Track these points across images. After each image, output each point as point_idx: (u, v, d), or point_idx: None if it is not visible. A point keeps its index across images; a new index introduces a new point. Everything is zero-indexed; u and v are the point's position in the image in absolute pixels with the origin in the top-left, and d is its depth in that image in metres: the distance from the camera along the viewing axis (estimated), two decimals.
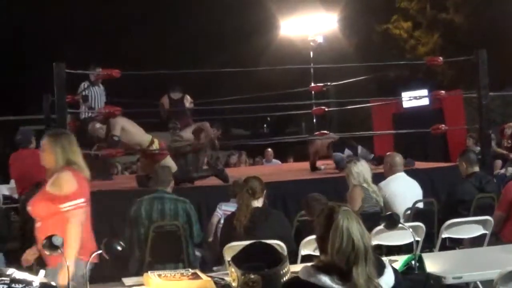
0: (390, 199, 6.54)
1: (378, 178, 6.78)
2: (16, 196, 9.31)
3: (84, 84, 9.37)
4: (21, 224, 7.20)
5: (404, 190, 6.65)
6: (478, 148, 9.63)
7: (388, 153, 7.35)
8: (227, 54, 24.54)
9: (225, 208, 6.31)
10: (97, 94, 9.51)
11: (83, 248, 4.12)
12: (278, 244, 4.59)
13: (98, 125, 8.71)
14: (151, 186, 6.07)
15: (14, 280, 3.41)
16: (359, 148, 9.35)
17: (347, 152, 9.28)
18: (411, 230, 4.69)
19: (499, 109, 16.24)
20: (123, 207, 5.98)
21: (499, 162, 11.11)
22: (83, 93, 9.44)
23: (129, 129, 8.33)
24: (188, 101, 10.30)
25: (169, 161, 8.48)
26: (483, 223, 5.88)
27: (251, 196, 5.34)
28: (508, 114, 15.76)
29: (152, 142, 8.39)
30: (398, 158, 6.91)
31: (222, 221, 6.03)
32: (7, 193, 10.45)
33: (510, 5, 19.75)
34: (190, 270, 4.37)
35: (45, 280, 3.56)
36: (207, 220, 6.76)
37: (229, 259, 3.61)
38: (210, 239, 6.47)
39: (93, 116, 9.21)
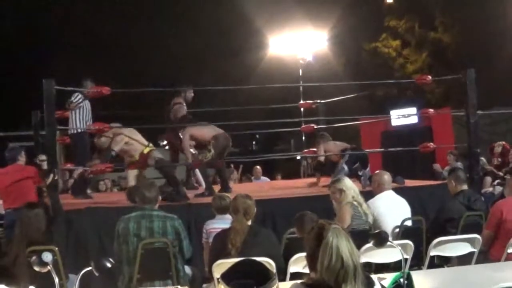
0: (378, 217, 6.52)
1: (367, 196, 6.79)
2: (2, 212, 9.23)
3: (77, 95, 9.29)
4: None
5: (392, 208, 6.64)
6: (459, 163, 9.64)
7: (377, 171, 7.35)
8: (216, 72, 24.55)
9: (212, 227, 6.28)
10: (88, 109, 9.47)
11: None
12: (267, 261, 4.58)
13: (103, 139, 8.85)
14: (137, 204, 5.99)
15: None
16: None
17: (357, 165, 9.34)
18: (399, 248, 4.69)
19: (487, 128, 16.33)
20: (112, 224, 5.93)
21: (488, 180, 11.14)
22: (76, 103, 9.35)
23: (132, 141, 8.67)
24: (180, 113, 10.10)
25: (156, 154, 8.69)
26: (471, 241, 5.89)
27: (244, 217, 5.37)
28: (496, 132, 15.84)
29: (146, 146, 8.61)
30: (386, 176, 6.91)
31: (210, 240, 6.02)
32: None
33: (497, 24, 19.94)
34: (179, 287, 4.37)
35: None
36: (197, 237, 6.74)
37: (218, 276, 3.60)
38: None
39: (83, 131, 9.20)
